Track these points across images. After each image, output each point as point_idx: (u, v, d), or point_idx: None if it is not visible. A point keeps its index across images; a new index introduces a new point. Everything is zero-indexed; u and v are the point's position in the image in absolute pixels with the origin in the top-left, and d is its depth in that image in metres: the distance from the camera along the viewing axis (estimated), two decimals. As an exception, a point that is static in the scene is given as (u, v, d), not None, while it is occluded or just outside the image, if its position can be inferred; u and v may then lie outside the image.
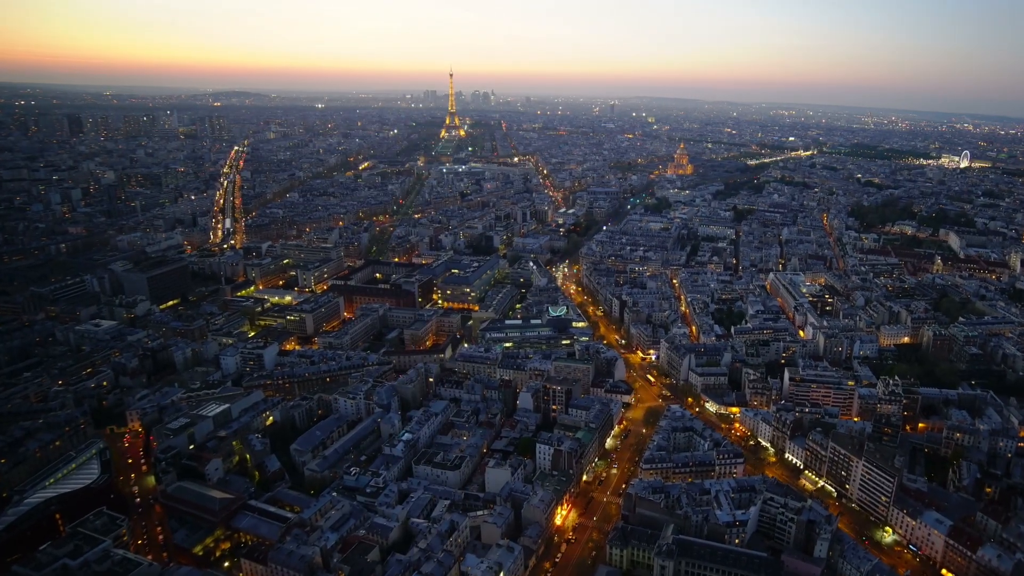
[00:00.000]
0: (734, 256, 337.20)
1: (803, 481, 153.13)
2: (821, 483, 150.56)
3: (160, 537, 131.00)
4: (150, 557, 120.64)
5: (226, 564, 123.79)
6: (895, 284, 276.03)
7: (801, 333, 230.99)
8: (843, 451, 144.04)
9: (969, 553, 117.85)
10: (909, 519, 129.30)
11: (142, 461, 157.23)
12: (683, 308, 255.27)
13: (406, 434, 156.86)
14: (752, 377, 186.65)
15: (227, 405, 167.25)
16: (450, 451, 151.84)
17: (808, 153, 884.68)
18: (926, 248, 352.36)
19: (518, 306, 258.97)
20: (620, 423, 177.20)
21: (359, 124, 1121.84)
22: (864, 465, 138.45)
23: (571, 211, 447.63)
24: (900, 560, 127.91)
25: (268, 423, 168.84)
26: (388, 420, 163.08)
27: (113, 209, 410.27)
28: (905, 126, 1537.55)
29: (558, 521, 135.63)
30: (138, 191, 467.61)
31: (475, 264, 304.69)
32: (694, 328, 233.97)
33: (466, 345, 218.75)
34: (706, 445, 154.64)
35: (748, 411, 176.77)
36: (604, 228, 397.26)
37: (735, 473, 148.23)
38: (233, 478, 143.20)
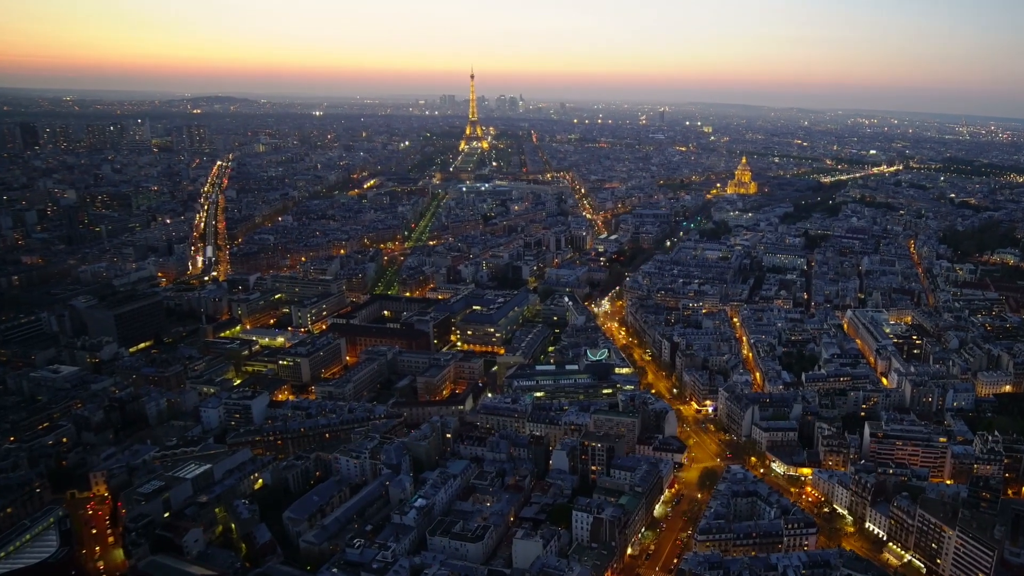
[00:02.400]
0: (805, 290, 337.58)
1: (886, 555, 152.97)
2: (908, 557, 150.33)
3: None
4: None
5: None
6: (995, 323, 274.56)
7: (884, 381, 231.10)
8: (933, 520, 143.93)
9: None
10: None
11: (108, 531, 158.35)
12: (745, 351, 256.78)
13: (419, 499, 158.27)
14: (827, 433, 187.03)
15: (209, 465, 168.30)
16: (471, 520, 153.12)
17: (892, 169, 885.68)
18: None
19: (551, 349, 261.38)
20: (671, 486, 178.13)
21: (363, 135, 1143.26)
22: (958, 536, 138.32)
23: (613, 237, 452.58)
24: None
25: (257, 487, 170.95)
26: (398, 483, 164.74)
27: (74, 235, 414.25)
28: (1006, 137, 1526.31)
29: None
30: (104, 213, 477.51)
31: (500, 300, 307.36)
32: (758, 375, 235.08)
33: (490, 395, 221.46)
34: (772, 513, 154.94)
35: (822, 472, 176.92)
36: (652, 257, 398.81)
37: (806, 546, 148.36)
38: (216, 551, 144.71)
